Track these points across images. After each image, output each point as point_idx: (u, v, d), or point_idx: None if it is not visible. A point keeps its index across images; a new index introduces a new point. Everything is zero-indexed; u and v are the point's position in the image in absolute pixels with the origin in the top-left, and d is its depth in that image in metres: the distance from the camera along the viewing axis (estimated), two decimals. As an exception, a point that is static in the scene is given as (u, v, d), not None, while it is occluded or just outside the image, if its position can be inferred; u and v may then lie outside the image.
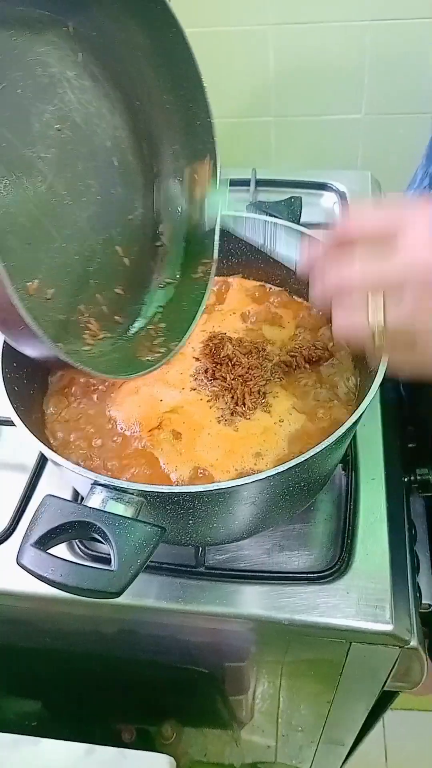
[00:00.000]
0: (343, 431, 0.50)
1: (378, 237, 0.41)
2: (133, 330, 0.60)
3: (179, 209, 0.62)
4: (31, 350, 0.45)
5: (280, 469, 0.47)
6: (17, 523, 0.65)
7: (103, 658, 0.81)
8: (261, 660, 0.72)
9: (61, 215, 0.53)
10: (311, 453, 0.48)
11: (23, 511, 0.66)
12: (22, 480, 0.68)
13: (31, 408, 0.59)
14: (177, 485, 0.55)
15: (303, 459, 0.47)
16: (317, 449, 0.48)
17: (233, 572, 0.61)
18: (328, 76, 1.33)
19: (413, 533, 0.68)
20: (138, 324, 0.60)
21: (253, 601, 0.59)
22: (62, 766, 0.53)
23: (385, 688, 0.68)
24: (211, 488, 0.46)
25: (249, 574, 0.60)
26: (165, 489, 0.46)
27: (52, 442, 0.59)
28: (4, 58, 0.48)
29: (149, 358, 0.57)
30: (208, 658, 0.73)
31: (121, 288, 0.59)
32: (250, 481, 0.46)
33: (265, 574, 0.60)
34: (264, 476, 0.46)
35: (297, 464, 0.47)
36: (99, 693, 0.97)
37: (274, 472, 0.46)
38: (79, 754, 0.53)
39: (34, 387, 0.62)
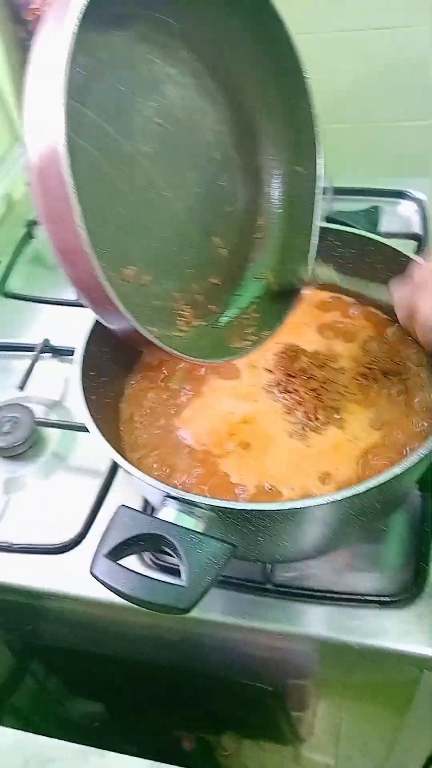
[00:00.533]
0: (419, 457, 0.48)
1: None
2: (225, 318, 0.61)
3: (279, 203, 0.63)
4: (122, 333, 0.47)
5: (351, 492, 0.45)
6: (89, 528, 0.66)
7: (167, 667, 0.81)
8: (325, 679, 0.70)
9: (160, 206, 0.54)
10: (384, 478, 0.46)
11: (94, 516, 0.66)
12: (95, 485, 0.69)
13: (105, 416, 0.60)
14: (242, 498, 0.54)
15: (375, 484, 0.46)
16: (390, 474, 0.46)
17: (301, 591, 0.59)
18: (406, 82, 1.30)
19: None
20: (231, 313, 0.61)
21: (320, 621, 0.58)
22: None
23: (457, 720, 0.65)
24: (282, 507, 0.45)
25: (317, 593, 0.59)
26: (236, 505, 0.46)
27: (126, 451, 0.60)
28: (110, 56, 0.49)
29: (239, 345, 0.58)
30: (272, 674, 0.71)
31: (217, 278, 0.60)
32: (321, 502, 0.45)
33: (334, 595, 0.59)
34: (335, 498, 0.45)
35: (368, 489, 0.46)
36: (161, 699, 0.98)
37: (346, 495, 0.45)
38: (145, 769, 0.53)
39: (111, 395, 0.62)
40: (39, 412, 0.76)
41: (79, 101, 0.48)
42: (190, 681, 0.84)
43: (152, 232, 0.55)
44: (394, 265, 0.63)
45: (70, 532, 0.66)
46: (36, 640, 0.81)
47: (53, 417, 0.75)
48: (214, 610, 0.60)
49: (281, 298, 0.62)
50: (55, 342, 0.81)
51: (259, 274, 0.63)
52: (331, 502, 0.45)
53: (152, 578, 0.43)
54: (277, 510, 0.45)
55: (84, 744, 1.17)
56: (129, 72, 0.51)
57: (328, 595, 0.59)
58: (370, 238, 0.62)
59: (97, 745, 1.18)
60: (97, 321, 0.59)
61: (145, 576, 0.43)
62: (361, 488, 0.46)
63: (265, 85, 0.59)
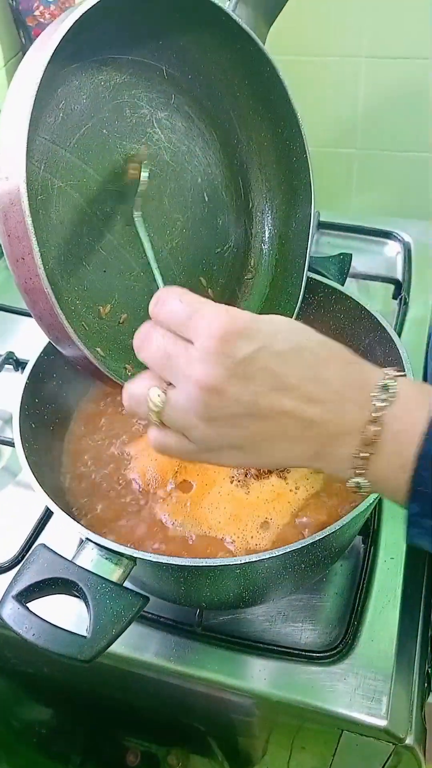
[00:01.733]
0: (351, 518, 0.47)
1: (176, 329, 0.38)
2: None
3: (269, 244, 0.63)
4: (85, 368, 0.47)
5: (276, 552, 0.45)
6: (26, 551, 0.65)
7: (109, 695, 0.80)
8: (252, 724, 0.70)
9: (142, 247, 0.54)
10: (315, 538, 0.46)
11: (34, 540, 0.66)
12: (42, 506, 0.68)
13: (49, 444, 0.60)
14: (175, 540, 0.54)
15: (303, 544, 0.45)
16: (322, 534, 0.46)
17: (231, 638, 0.58)
18: (416, 111, 1.29)
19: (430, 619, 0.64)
20: None
21: (246, 671, 0.57)
22: None
23: (381, 778, 0.64)
24: (201, 564, 0.45)
25: (246, 642, 0.58)
26: (153, 558, 0.45)
27: (65, 483, 0.59)
28: (92, 100, 0.49)
29: None
30: (203, 714, 0.71)
31: None
32: (242, 561, 0.45)
33: (263, 645, 0.58)
34: (256, 558, 0.44)
35: (297, 549, 0.45)
36: (108, 714, 0.97)
37: (268, 555, 0.44)
38: None
39: (57, 421, 0.62)
40: (-6, 426, 0.75)
41: (59, 144, 0.49)
42: (133, 708, 0.84)
43: (134, 271, 0.55)
44: (356, 318, 0.62)
45: (8, 552, 0.65)
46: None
47: (8, 433, 0.74)
48: (147, 650, 0.59)
49: None
50: (21, 355, 0.80)
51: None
52: (248, 563, 0.44)
53: (56, 626, 0.42)
54: (194, 566, 0.45)
55: (30, 751, 1.17)
56: (113, 116, 0.52)
57: (257, 645, 0.58)
58: (334, 288, 0.61)
59: (44, 752, 1.18)
60: (47, 343, 0.59)
61: (50, 623, 0.42)
62: (284, 549, 0.45)
63: (258, 128, 0.59)
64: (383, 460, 0.37)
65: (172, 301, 0.38)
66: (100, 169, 0.51)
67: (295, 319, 0.59)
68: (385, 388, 0.37)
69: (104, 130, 0.51)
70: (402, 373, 0.38)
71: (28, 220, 0.39)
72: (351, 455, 0.37)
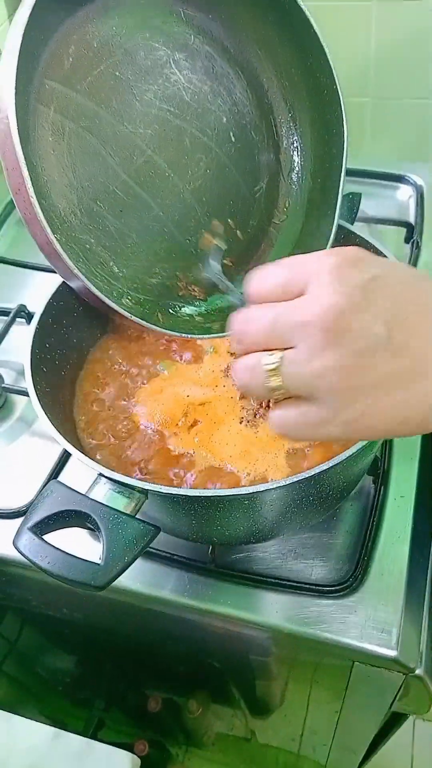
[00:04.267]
0: (358, 449, 0.47)
1: (284, 296, 0.35)
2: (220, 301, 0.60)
3: (302, 184, 0.62)
4: (96, 302, 0.48)
5: (288, 481, 0.45)
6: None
7: (128, 636, 0.83)
8: (268, 660, 0.71)
9: (162, 187, 0.55)
10: (323, 467, 0.46)
11: (57, 474, 0.67)
12: (57, 453, 0.70)
13: (60, 388, 0.61)
14: (189, 476, 0.55)
15: (312, 474, 0.46)
16: (328, 465, 0.46)
17: (243, 574, 0.60)
18: (430, 56, 1.26)
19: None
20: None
21: (259, 606, 0.59)
22: (27, 745, 0.55)
23: (393, 710, 0.66)
24: (210, 494, 0.46)
25: (259, 578, 0.60)
26: (164, 489, 0.46)
27: (78, 424, 0.60)
28: (104, 44, 0.49)
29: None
30: (219, 651, 0.73)
31: (230, 260, 0.59)
32: (253, 491, 0.45)
33: (275, 581, 0.59)
34: (268, 487, 0.45)
35: (306, 478, 0.46)
36: (130, 661, 1.00)
37: (278, 485, 0.45)
38: (47, 736, 0.55)
39: (68, 367, 0.63)
40: (9, 377, 0.76)
41: (70, 87, 0.49)
42: (154, 651, 0.86)
43: (152, 211, 0.54)
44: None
45: (27, 497, 0.67)
46: (4, 599, 0.83)
47: (23, 383, 0.75)
48: (163, 586, 0.61)
49: None
50: (32, 307, 0.81)
51: (278, 258, 0.62)
52: (260, 491, 0.45)
53: (70, 555, 0.44)
54: (206, 496, 0.46)
55: (56, 697, 1.21)
56: (126, 59, 0.51)
57: (269, 580, 0.60)
58: (343, 227, 0.61)
59: (69, 699, 1.21)
60: (55, 291, 0.59)
61: (64, 552, 0.44)
62: (294, 479, 0.46)
63: (286, 63, 0.58)
64: None
65: (269, 272, 0.35)
66: (113, 110, 0.51)
67: None
68: None
69: (117, 73, 0.51)
70: None
71: (19, 150, 0.40)
72: None
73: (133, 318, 0.49)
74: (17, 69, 0.39)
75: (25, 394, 0.73)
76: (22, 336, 0.80)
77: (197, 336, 0.54)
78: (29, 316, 0.80)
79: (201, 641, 0.72)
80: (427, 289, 0.34)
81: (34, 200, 0.42)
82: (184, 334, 0.53)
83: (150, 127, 0.53)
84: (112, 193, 0.52)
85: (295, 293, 0.34)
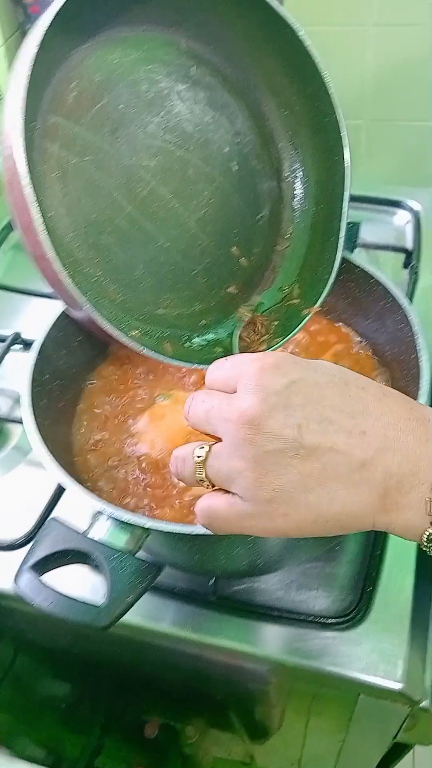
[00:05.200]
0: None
1: (226, 390, 0.38)
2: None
3: (304, 210, 0.62)
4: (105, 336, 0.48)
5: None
6: (39, 527, 0.65)
7: (126, 666, 0.81)
8: (270, 691, 0.70)
9: (167, 218, 0.55)
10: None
11: (46, 516, 0.66)
12: (54, 483, 0.69)
13: (59, 419, 0.60)
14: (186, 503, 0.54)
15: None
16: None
17: (245, 606, 0.59)
18: (425, 80, 1.27)
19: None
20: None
21: (262, 639, 0.58)
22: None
23: (397, 740, 0.65)
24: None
25: (261, 610, 0.59)
26: (166, 527, 0.45)
27: (75, 458, 0.59)
28: (107, 78, 0.49)
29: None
30: (225, 682, 0.72)
31: (235, 287, 0.59)
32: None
33: (278, 613, 0.59)
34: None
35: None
36: (127, 688, 0.99)
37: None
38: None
39: (67, 397, 0.62)
40: (5, 406, 0.76)
41: (74, 121, 0.49)
42: (154, 678, 0.85)
43: (157, 242, 0.54)
44: (365, 286, 0.62)
45: (22, 529, 0.66)
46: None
47: (18, 412, 0.75)
48: (163, 619, 0.60)
49: (294, 312, 0.61)
50: (27, 335, 0.80)
51: (283, 285, 0.62)
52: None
53: (71, 597, 0.43)
54: (209, 535, 0.45)
55: (51, 724, 1.19)
56: (129, 91, 0.51)
57: (272, 612, 0.59)
58: (344, 258, 0.61)
59: (65, 725, 1.20)
60: (55, 320, 0.59)
61: (64, 595, 0.43)
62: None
63: (286, 91, 0.58)
64: None
65: (218, 364, 0.39)
66: (117, 144, 0.51)
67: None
68: None
69: (120, 106, 0.51)
70: None
71: (28, 190, 0.40)
72: (424, 498, 0.33)
73: (143, 350, 0.48)
74: (24, 108, 0.39)
75: (21, 422, 0.72)
76: (17, 363, 0.80)
77: (205, 366, 0.54)
78: (25, 344, 0.80)
79: (200, 672, 0.71)
80: (347, 392, 0.36)
81: (45, 239, 0.41)
82: (193, 364, 0.53)
83: (154, 158, 0.53)
84: (118, 225, 0.52)
85: (232, 390, 0.37)
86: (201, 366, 0.53)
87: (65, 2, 0.42)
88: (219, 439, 0.37)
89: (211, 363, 0.52)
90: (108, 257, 0.51)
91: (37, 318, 0.85)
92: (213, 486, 0.38)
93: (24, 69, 0.39)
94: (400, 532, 0.35)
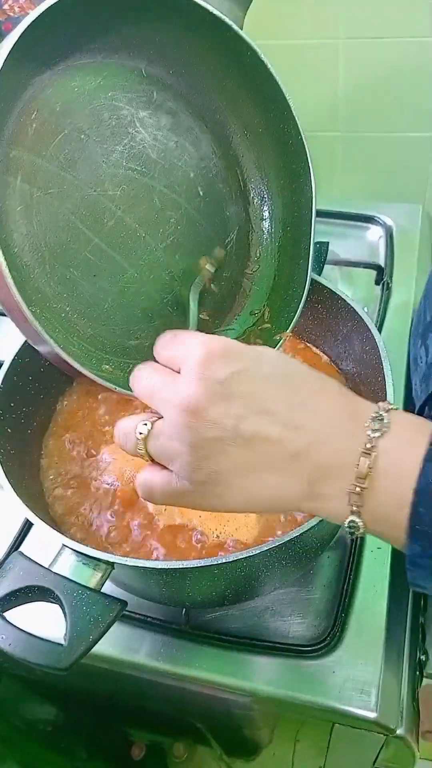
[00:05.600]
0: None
1: (171, 367, 0.39)
2: None
3: (272, 232, 0.62)
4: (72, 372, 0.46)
5: (253, 552, 0.44)
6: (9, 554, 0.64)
7: (106, 694, 0.80)
8: (258, 714, 0.69)
9: (134, 247, 0.53)
10: (292, 535, 0.45)
11: (20, 543, 0.65)
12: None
13: (27, 448, 0.59)
14: (158, 536, 0.54)
15: (280, 542, 0.45)
16: (299, 531, 0.45)
17: (219, 636, 0.58)
18: (399, 92, 1.28)
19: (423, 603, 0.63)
20: None
21: (236, 669, 0.57)
22: None
23: (377, 766, 0.64)
24: (179, 566, 0.44)
25: (235, 639, 0.58)
26: (130, 562, 0.45)
27: (46, 488, 0.59)
28: (67, 107, 0.48)
29: None
30: (206, 710, 0.71)
31: (206, 313, 0.59)
32: (220, 562, 0.44)
33: (252, 641, 0.58)
34: (233, 558, 0.44)
35: (275, 546, 0.45)
36: (110, 711, 0.97)
37: (245, 555, 0.44)
38: None
39: (34, 425, 0.61)
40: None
41: (35, 153, 0.48)
42: (131, 705, 0.84)
43: (126, 272, 0.54)
44: (333, 307, 0.61)
45: (-5, 557, 0.65)
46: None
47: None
48: (136, 651, 0.59)
49: (266, 336, 0.60)
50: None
51: (254, 308, 0.61)
52: (226, 563, 0.44)
53: (32, 635, 0.42)
54: (173, 568, 0.44)
55: (35, 747, 1.17)
56: (90, 120, 0.50)
57: (245, 641, 0.58)
58: (312, 279, 0.60)
59: (50, 748, 1.18)
60: (21, 347, 0.58)
61: (26, 632, 0.42)
62: (263, 548, 0.44)
63: (249, 114, 0.57)
64: (379, 496, 0.34)
65: (166, 339, 0.39)
66: (80, 174, 0.50)
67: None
68: (378, 418, 0.35)
69: (82, 136, 0.50)
70: (395, 406, 0.36)
71: None
72: (345, 490, 0.35)
73: (113, 387, 0.47)
74: None
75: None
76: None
77: None
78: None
79: (180, 699, 0.70)
80: (288, 384, 0.37)
81: (10, 282, 0.39)
82: None
83: (119, 187, 0.52)
84: (85, 258, 0.51)
85: (175, 366, 0.38)
86: None
87: (23, 32, 0.41)
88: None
89: None
90: (76, 291, 0.50)
91: (6, 339, 0.84)
92: (152, 460, 0.39)
93: None
94: (326, 518, 0.37)
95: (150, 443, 0.38)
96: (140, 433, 0.38)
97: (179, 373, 0.37)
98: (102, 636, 0.43)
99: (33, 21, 0.41)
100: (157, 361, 0.41)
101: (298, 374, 0.37)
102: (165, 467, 0.38)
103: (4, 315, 0.85)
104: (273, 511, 0.39)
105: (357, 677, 0.55)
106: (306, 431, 0.35)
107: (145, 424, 0.38)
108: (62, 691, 0.95)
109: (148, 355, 0.54)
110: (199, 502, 0.38)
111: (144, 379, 0.39)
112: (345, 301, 0.59)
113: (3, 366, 0.58)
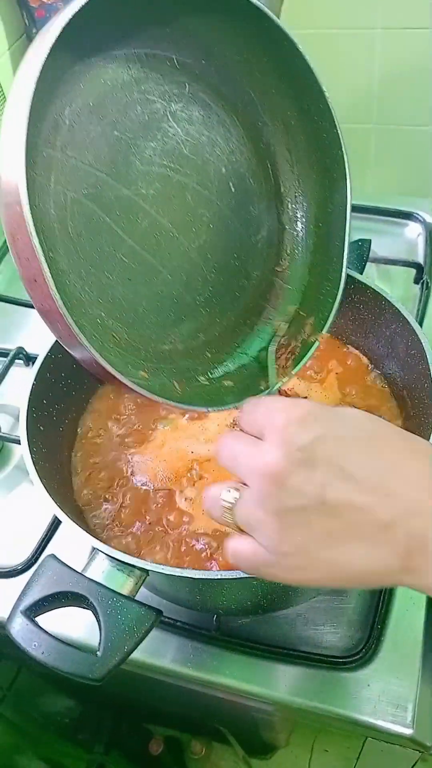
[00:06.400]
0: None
1: (250, 435, 0.37)
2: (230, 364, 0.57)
3: (305, 229, 0.59)
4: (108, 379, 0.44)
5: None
6: (40, 553, 0.64)
7: (129, 696, 0.79)
8: (280, 723, 0.68)
9: (167, 248, 0.52)
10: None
11: (47, 541, 0.64)
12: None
13: (58, 446, 0.58)
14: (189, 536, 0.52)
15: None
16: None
17: (249, 643, 0.57)
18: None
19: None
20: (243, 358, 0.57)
21: (266, 678, 0.56)
22: None
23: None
24: (215, 576, 0.43)
25: (266, 647, 0.57)
26: (166, 570, 0.43)
27: (77, 488, 0.57)
28: (99, 101, 0.46)
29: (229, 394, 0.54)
30: (229, 715, 0.69)
31: (238, 315, 0.57)
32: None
33: (283, 650, 0.56)
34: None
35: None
36: (130, 708, 0.97)
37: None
38: None
39: (65, 423, 0.60)
40: (6, 424, 0.74)
41: (68, 153, 0.46)
42: (152, 706, 0.83)
43: (160, 275, 0.52)
44: (376, 308, 0.59)
45: (24, 551, 0.64)
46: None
47: (18, 430, 0.73)
48: (164, 655, 0.58)
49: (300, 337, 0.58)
50: (30, 349, 0.78)
51: (287, 309, 0.59)
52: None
53: (66, 643, 0.41)
54: (210, 579, 0.43)
55: (54, 739, 1.18)
56: (123, 116, 0.49)
57: (276, 650, 0.57)
58: (353, 277, 0.58)
59: (68, 741, 1.18)
60: (52, 346, 0.57)
61: (59, 640, 0.41)
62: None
63: (282, 106, 0.55)
64: None
65: (249, 406, 0.38)
66: (114, 173, 0.48)
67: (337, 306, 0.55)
68: None
69: (115, 132, 0.48)
70: None
71: (35, 240, 0.37)
72: None
73: (147, 394, 0.45)
74: (26, 149, 0.36)
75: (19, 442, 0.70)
76: (20, 379, 0.78)
77: (212, 409, 0.51)
78: (28, 358, 0.78)
79: (203, 704, 0.68)
80: (372, 447, 0.35)
81: (55, 293, 0.38)
82: (200, 408, 0.50)
83: (152, 186, 0.51)
84: (120, 261, 0.49)
85: (260, 435, 0.36)
86: (207, 409, 0.50)
87: (66, 24, 0.40)
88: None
89: (219, 402, 0.50)
90: (111, 295, 0.48)
91: (40, 332, 0.83)
92: (240, 529, 0.37)
93: (23, 106, 0.36)
94: (427, 590, 0.35)
95: (236, 511, 0.36)
96: (225, 501, 0.37)
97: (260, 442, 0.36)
98: (137, 646, 0.41)
99: (76, 12, 0.39)
100: (241, 429, 0.39)
101: (384, 434, 0.36)
102: (249, 538, 0.37)
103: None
104: (366, 586, 0.38)
105: (392, 691, 0.54)
106: (397, 498, 0.33)
107: (229, 491, 0.36)
108: (82, 686, 0.94)
109: (181, 359, 0.52)
110: (283, 576, 0.36)
111: (227, 447, 0.38)
112: (389, 302, 0.57)
113: (36, 362, 0.57)
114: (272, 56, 0.52)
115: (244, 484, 0.36)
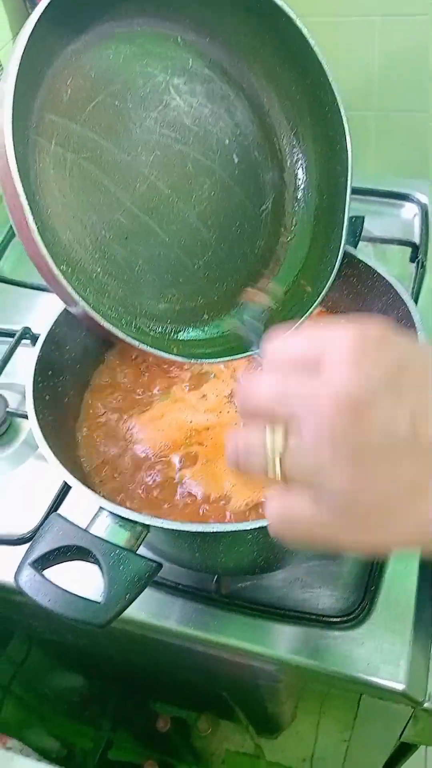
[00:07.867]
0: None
1: (301, 365, 0.29)
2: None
3: (307, 201, 0.61)
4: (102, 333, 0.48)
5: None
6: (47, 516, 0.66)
7: (135, 662, 0.82)
8: (284, 685, 0.70)
9: (166, 212, 0.55)
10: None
11: (55, 510, 0.67)
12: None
13: (64, 416, 0.60)
14: (187, 501, 0.54)
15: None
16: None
17: (249, 604, 0.59)
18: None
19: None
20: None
21: (265, 637, 0.58)
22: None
23: (403, 740, 0.65)
24: (213, 529, 0.45)
25: (264, 608, 0.59)
26: (166, 524, 0.45)
27: (79, 455, 0.60)
28: (102, 74, 0.49)
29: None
30: (234, 679, 0.72)
31: (238, 281, 0.60)
32: (255, 526, 0.44)
33: (281, 611, 0.58)
34: (267, 523, 0.44)
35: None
36: (137, 682, 0.99)
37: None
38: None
39: (71, 394, 0.62)
40: (14, 401, 0.76)
41: (70, 119, 0.49)
42: (159, 673, 0.85)
43: (158, 237, 0.54)
44: (369, 281, 0.61)
45: (32, 522, 0.66)
46: (10, 624, 0.82)
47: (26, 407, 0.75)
48: (168, 617, 0.60)
49: (298, 304, 0.60)
50: (36, 329, 0.81)
51: (288, 278, 0.62)
52: (259, 527, 0.44)
53: (71, 593, 0.43)
54: (205, 532, 0.45)
55: (63, 717, 1.20)
56: (125, 87, 0.51)
57: (274, 610, 0.59)
58: (346, 252, 0.60)
59: (76, 719, 1.20)
60: (58, 317, 0.59)
61: (65, 590, 0.43)
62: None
63: (286, 82, 0.58)
64: None
65: (288, 338, 0.30)
66: (114, 140, 0.51)
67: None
68: None
69: (116, 102, 0.51)
70: None
71: (19, 187, 0.40)
72: None
73: (142, 346, 0.48)
74: (13, 104, 0.39)
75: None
76: (27, 358, 0.80)
77: (206, 361, 0.53)
78: (34, 339, 0.80)
79: (208, 668, 0.71)
80: None
81: (36, 236, 0.41)
82: (192, 360, 0.53)
83: (152, 153, 0.53)
84: (117, 221, 0.52)
85: (311, 369, 0.29)
86: (201, 361, 0.53)
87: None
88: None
89: (212, 357, 0.52)
90: (108, 253, 0.51)
91: (46, 313, 0.85)
92: (286, 482, 0.30)
93: (13, 65, 0.39)
94: None
95: (290, 458, 0.29)
96: (272, 445, 0.29)
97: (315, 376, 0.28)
98: (138, 595, 0.43)
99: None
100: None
101: None
102: (302, 492, 0.29)
103: (41, 290, 0.87)
104: None
105: (386, 649, 0.56)
106: None
107: (278, 433, 0.29)
108: (90, 662, 0.97)
109: (177, 320, 0.55)
110: (360, 539, 0.29)
111: (264, 384, 0.30)
112: (380, 275, 0.59)
113: (41, 336, 0.59)
114: (273, 33, 0.54)
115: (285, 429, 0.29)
